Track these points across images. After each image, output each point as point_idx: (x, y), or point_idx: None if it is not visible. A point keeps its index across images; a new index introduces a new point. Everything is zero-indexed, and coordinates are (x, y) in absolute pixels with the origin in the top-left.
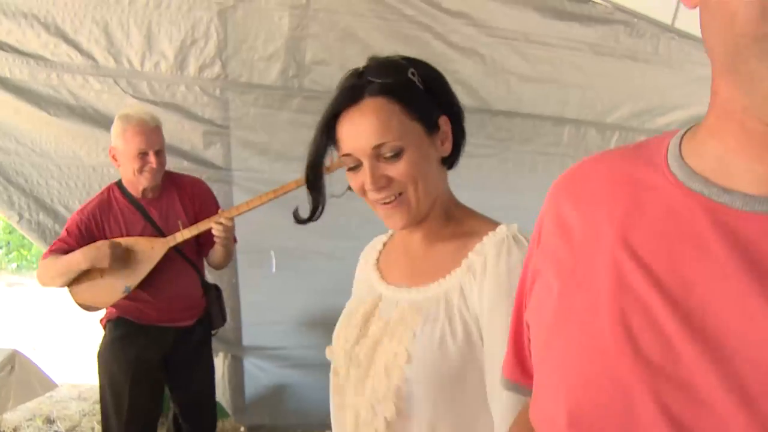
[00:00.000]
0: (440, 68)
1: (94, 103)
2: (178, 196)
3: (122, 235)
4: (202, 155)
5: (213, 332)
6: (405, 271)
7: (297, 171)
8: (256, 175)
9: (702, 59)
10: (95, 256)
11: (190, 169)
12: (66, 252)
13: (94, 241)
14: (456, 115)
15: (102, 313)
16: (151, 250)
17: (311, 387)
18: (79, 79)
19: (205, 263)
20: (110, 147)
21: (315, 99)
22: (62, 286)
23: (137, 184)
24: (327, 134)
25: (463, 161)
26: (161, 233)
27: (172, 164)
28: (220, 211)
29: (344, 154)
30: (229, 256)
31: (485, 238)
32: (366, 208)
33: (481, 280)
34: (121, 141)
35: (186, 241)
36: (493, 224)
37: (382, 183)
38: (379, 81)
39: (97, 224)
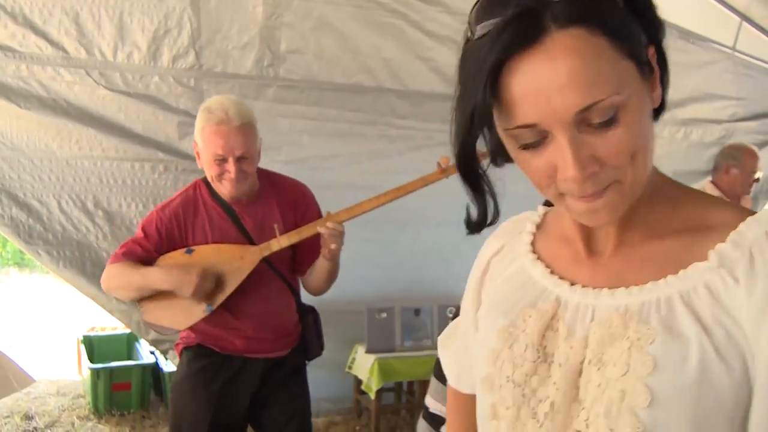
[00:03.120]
0: (416, 56)
1: (66, 95)
2: (277, 203)
3: (207, 241)
4: (177, 146)
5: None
6: (593, 267)
7: (275, 162)
8: None
9: (675, 45)
10: (179, 283)
11: (165, 161)
12: (141, 257)
13: (175, 247)
14: (659, 39)
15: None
16: (240, 261)
17: None
18: (50, 70)
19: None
20: (194, 141)
21: (291, 88)
22: (130, 300)
23: (219, 190)
24: (485, 98)
25: (438, 149)
26: (252, 244)
27: (147, 155)
28: (326, 213)
29: (521, 126)
30: (332, 275)
31: (743, 226)
32: (343, 191)
33: (750, 283)
34: (200, 139)
35: (281, 257)
36: (742, 209)
37: (593, 167)
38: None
39: (179, 227)
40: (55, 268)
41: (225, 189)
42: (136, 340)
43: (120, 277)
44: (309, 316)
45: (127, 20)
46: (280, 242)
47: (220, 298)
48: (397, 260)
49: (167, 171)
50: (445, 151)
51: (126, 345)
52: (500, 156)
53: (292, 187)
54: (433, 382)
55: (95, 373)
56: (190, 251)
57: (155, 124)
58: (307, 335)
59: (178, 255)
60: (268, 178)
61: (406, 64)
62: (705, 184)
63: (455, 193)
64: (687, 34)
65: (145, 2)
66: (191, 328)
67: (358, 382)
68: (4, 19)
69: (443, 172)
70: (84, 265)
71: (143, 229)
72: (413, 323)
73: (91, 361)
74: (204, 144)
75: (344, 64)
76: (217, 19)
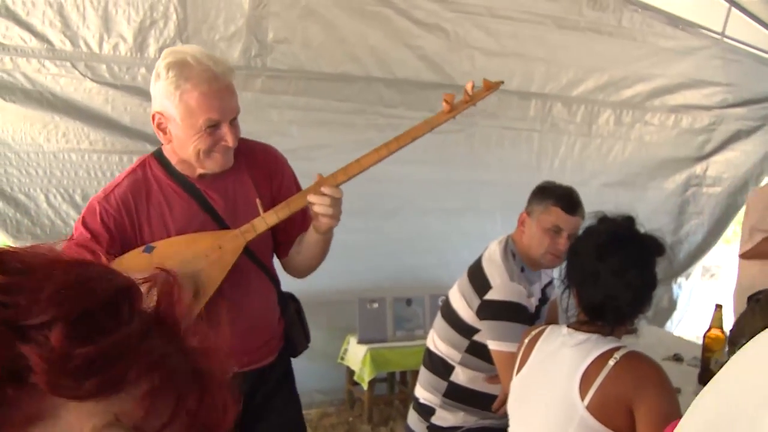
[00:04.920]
0: (403, 44)
1: (52, 88)
2: (249, 174)
3: (169, 233)
4: None
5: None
6: None
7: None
8: None
9: (664, 31)
10: None
11: None
12: None
13: (129, 245)
14: None
15: None
16: (218, 252)
17: None
18: (35, 62)
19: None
20: (153, 112)
21: (278, 78)
22: None
23: (197, 167)
24: None
25: (428, 137)
26: (227, 229)
27: (135, 148)
28: (318, 177)
29: None
30: (325, 252)
31: None
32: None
33: None
34: (175, 103)
35: (263, 241)
36: None
37: None
38: None
39: (130, 217)
40: None
41: (215, 162)
42: None
43: None
44: (290, 306)
45: (112, 11)
46: (267, 220)
47: (198, 306)
48: (385, 249)
49: None
50: (434, 138)
51: None
52: None
53: (263, 153)
54: (423, 372)
55: None
56: (149, 249)
57: (143, 116)
58: (291, 331)
59: (134, 257)
60: None
61: (393, 52)
62: None
63: (441, 180)
64: (675, 20)
65: None
66: None
67: (351, 372)
68: None
69: (451, 111)
70: None
71: (86, 226)
72: (405, 313)
73: None
74: (186, 110)
75: (332, 53)
76: (203, 9)
